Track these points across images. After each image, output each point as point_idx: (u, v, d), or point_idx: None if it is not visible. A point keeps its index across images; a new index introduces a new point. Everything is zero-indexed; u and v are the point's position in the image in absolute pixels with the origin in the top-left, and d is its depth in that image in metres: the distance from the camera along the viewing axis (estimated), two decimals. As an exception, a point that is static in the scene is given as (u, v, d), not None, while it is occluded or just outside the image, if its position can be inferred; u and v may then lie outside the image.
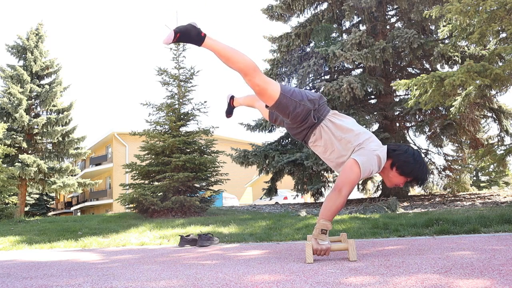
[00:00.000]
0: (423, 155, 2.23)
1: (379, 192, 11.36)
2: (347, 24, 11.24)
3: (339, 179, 2.00)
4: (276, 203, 13.40)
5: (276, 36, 11.30)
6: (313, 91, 11.09)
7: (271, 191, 11.05)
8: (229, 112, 2.96)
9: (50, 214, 31.43)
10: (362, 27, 10.72)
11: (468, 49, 9.28)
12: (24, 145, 16.00)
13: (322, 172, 10.06)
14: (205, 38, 2.08)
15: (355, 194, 13.42)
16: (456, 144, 11.45)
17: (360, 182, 12.10)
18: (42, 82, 17.90)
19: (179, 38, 2.06)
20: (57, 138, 16.93)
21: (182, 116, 8.33)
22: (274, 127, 10.66)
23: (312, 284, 1.39)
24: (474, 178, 24.66)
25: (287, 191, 19.01)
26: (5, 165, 12.04)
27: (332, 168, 2.20)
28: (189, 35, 2.06)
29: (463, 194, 9.83)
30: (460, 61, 9.16)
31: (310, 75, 10.48)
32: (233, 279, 1.56)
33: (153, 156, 7.97)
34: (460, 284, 1.26)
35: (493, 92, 8.30)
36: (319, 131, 2.16)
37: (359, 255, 2.09)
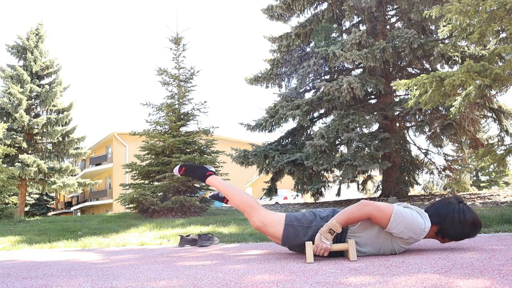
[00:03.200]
0: (465, 207, 2.07)
1: (379, 192, 11.37)
2: (347, 24, 11.25)
3: (373, 202, 1.95)
4: (276, 203, 13.41)
5: (276, 36, 11.30)
6: (313, 91, 11.11)
7: (271, 191, 11.05)
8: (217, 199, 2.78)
9: (50, 214, 31.43)
10: (362, 27, 10.72)
11: (468, 49, 9.28)
12: (24, 145, 16.00)
13: (322, 172, 10.07)
14: (208, 176, 2.42)
15: (355, 194, 13.42)
16: (456, 144, 11.46)
17: (360, 181, 12.11)
18: (42, 82, 17.91)
19: (184, 171, 2.48)
20: (57, 138, 16.93)
21: (182, 116, 8.34)
22: (274, 127, 10.66)
23: (312, 284, 1.39)
24: (474, 178, 24.68)
25: (287, 191, 19.02)
26: (5, 165, 12.04)
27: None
28: (194, 171, 2.47)
29: (463, 194, 9.83)
30: (460, 61, 9.16)
31: (310, 75, 10.49)
32: (233, 279, 1.56)
33: (153, 156, 7.97)
34: (460, 284, 1.26)
35: (493, 92, 8.30)
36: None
37: (359, 254, 2.09)
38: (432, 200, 8.66)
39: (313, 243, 1.96)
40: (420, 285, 1.28)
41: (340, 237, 2.00)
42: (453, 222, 1.94)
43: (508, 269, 1.44)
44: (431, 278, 1.37)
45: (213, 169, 2.48)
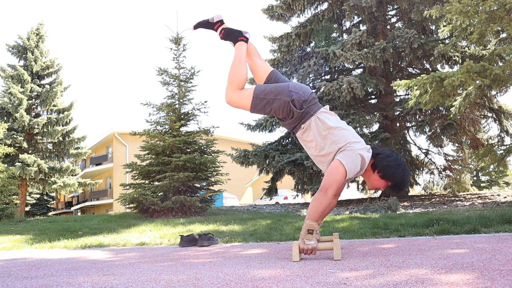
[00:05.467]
0: (404, 161, 2.29)
1: (379, 192, 11.36)
2: (348, 24, 11.24)
3: (325, 180, 2.03)
4: (277, 203, 13.40)
5: (276, 36, 11.30)
6: (313, 91, 11.10)
7: (271, 191, 11.05)
8: (201, 26, 2.64)
9: (50, 214, 31.42)
10: (363, 27, 10.72)
11: (468, 49, 9.27)
12: (25, 145, 16.01)
13: (322, 172, 10.04)
14: (238, 41, 2.45)
15: (356, 194, 13.42)
16: (457, 144, 11.46)
17: (360, 181, 12.10)
18: (43, 82, 17.91)
19: (224, 35, 2.50)
20: (58, 138, 16.94)
21: (182, 116, 8.33)
22: (275, 127, 10.65)
23: (312, 284, 1.39)
24: (474, 178, 24.66)
25: (287, 191, 19.01)
26: (6, 165, 12.04)
27: (317, 165, 2.25)
28: (231, 35, 2.48)
29: (463, 194, 9.83)
30: (460, 61, 9.15)
31: (311, 75, 10.48)
32: (233, 278, 1.56)
33: (154, 156, 7.97)
34: (460, 284, 1.26)
35: (493, 92, 8.30)
36: (308, 125, 2.18)
37: (360, 254, 2.10)
38: (432, 200, 8.66)
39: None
40: (420, 285, 1.28)
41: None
42: (389, 158, 2.13)
43: (508, 269, 1.44)
44: (432, 278, 1.37)
45: (248, 35, 2.48)
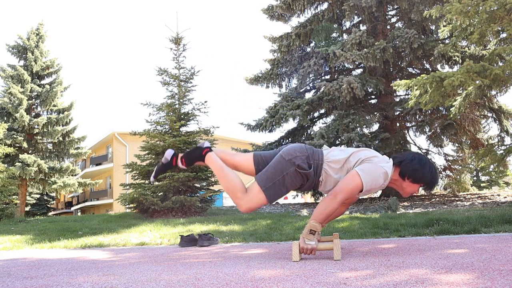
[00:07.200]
0: (427, 157, 2.31)
1: (379, 192, 11.36)
2: (348, 24, 11.24)
3: (338, 185, 2.03)
4: (277, 202, 13.40)
5: (276, 36, 11.30)
6: (313, 91, 11.10)
7: (271, 191, 11.02)
8: (159, 171, 2.45)
9: (50, 214, 31.40)
10: (363, 27, 10.72)
11: (468, 49, 9.28)
12: (25, 145, 16.01)
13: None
14: (205, 156, 2.31)
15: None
16: (457, 144, 11.46)
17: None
18: (43, 82, 17.91)
19: (186, 162, 2.34)
20: (58, 138, 16.93)
21: (182, 116, 8.33)
22: (275, 127, 10.65)
23: (312, 284, 1.39)
24: (475, 178, 24.66)
25: (287, 191, 18.97)
26: (6, 165, 12.04)
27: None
28: (193, 155, 2.33)
29: (464, 194, 9.83)
30: (460, 61, 9.15)
31: (311, 75, 10.48)
32: (233, 278, 1.56)
33: (154, 156, 7.96)
34: (460, 284, 1.26)
35: (493, 92, 8.30)
36: (325, 175, 2.15)
37: (360, 254, 2.10)
38: (432, 200, 8.66)
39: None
40: (420, 285, 1.28)
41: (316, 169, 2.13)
42: (414, 162, 2.11)
43: (508, 269, 1.44)
44: (432, 278, 1.37)
45: (207, 144, 2.36)
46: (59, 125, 17.06)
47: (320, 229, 2.02)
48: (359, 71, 10.92)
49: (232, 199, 2.23)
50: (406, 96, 9.87)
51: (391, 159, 2.15)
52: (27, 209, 24.33)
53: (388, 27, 10.51)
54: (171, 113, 8.24)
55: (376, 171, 2.02)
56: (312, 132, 10.77)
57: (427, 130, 9.70)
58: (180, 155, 2.36)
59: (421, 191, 12.03)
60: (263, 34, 12.99)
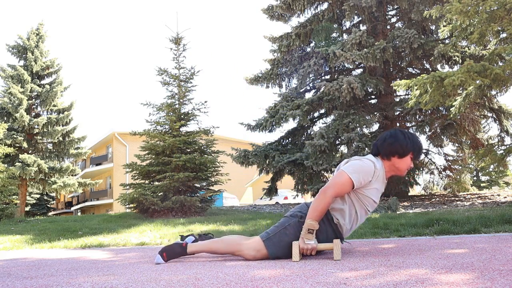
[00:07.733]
0: (400, 129, 2.29)
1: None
2: (348, 24, 11.24)
3: (327, 183, 2.11)
4: (277, 203, 13.41)
5: (276, 36, 11.30)
6: (313, 91, 11.10)
7: (271, 191, 11.05)
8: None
9: (50, 214, 31.43)
10: (363, 27, 10.72)
11: (469, 49, 9.28)
12: (25, 145, 16.01)
13: (322, 172, 10.06)
14: (186, 248, 2.29)
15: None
16: (457, 144, 11.46)
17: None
18: (43, 82, 17.92)
19: (167, 257, 2.26)
20: (58, 138, 16.94)
21: (182, 116, 8.33)
22: (275, 127, 10.66)
23: (312, 284, 1.39)
24: (474, 178, 24.67)
25: (287, 191, 19.01)
26: (6, 165, 12.04)
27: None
28: (175, 253, 2.28)
29: (463, 194, 9.83)
30: (460, 61, 9.16)
31: (311, 75, 10.48)
32: (233, 279, 1.56)
33: (154, 156, 7.96)
34: (460, 284, 1.26)
35: (493, 92, 8.30)
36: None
37: (360, 254, 2.10)
38: (432, 200, 8.66)
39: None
40: (420, 285, 1.28)
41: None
42: (387, 139, 2.12)
43: (508, 269, 1.44)
44: (432, 278, 1.37)
45: (188, 239, 2.41)
46: (59, 125, 17.06)
47: (317, 227, 2.03)
48: (359, 71, 10.92)
49: (238, 256, 2.23)
50: (406, 96, 9.87)
51: (369, 154, 2.20)
52: (27, 209, 24.35)
53: (388, 27, 10.50)
54: (171, 113, 8.24)
55: (360, 163, 2.08)
56: (312, 132, 10.77)
57: (427, 130, 9.70)
58: (160, 250, 2.28)
59: (421, 192, 12.05)
60: (263, 34, 13.00)
